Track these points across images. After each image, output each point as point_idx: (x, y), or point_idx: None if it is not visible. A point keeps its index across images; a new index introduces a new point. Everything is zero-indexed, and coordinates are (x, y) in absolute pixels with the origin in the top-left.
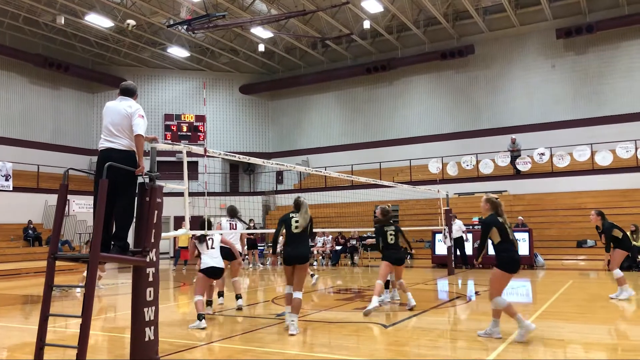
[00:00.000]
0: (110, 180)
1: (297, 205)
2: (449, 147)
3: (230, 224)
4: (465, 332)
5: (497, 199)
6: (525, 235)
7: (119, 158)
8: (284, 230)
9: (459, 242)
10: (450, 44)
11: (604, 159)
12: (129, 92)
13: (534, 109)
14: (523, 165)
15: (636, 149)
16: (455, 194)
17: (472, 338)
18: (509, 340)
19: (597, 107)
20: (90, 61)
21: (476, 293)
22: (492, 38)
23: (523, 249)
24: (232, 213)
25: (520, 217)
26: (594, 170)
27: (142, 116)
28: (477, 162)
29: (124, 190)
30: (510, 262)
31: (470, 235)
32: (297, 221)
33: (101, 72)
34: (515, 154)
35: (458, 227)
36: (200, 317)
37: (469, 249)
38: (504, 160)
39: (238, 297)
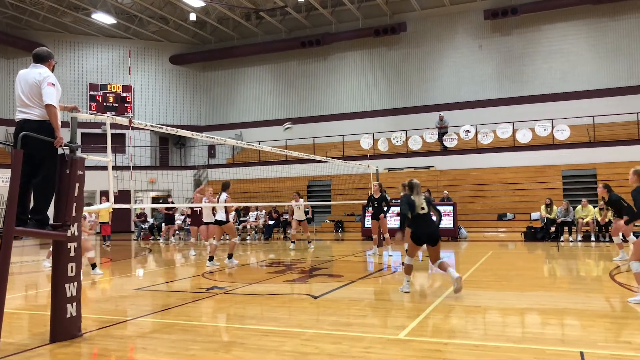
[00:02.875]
0: (27, 152)
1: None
2: (380, 124)
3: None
4: (391, 301)
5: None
6: (450, 208)
7: (32, 129)
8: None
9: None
10: (383, 21)
11: (524, 136)
12: (40, 59)
13: (461, 88)
14: (450, 142)
15: (552, 127)
16: (385, 169)
17: (399, 306)
18: (431, 307)
19: (519, 87)
20: (5, 24)
21: (402, 264)
22: (424, 16)
23: (447, 222)
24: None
25: (445, 192)
26: (514, 147)
27: (53, 84)
28: (407, 138)
29: (40, 162)
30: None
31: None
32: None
33: (17, 37)
34: (442, 130)
35: None
36: (211, 258)
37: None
38: (431, 137)
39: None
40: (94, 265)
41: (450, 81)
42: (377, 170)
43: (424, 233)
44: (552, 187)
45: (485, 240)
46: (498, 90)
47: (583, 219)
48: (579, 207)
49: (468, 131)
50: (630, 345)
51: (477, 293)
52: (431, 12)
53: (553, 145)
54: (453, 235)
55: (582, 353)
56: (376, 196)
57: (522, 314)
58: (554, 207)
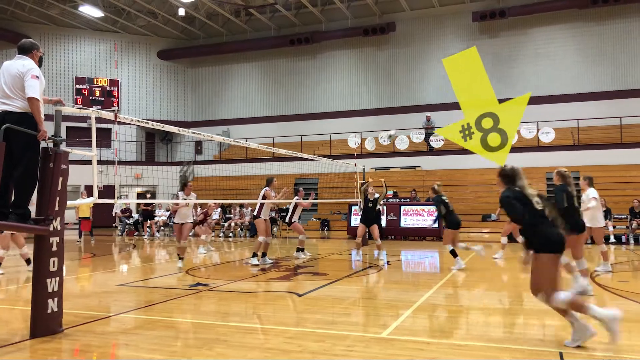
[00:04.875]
0: (8, 145)
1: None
2: (368, 123)
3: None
4: (376, 300)
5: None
6: (435, 208)
7: (13, 121)
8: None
9: None
10: (372, 21)
11: None
12: (24, 50)
13: (449, 89)
14: (436, 142)
15: (537, 130)
16: (372, 168)
17: (382, 305)
18: (414, 307)
19: (505, 89)
20: None
21: (388, 263)
22: (413, 17)
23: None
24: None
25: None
26: None
27: (37, 76)
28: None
29: (21, 155)
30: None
31: (385, 208)
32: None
33: (2, 28)
34: (429, 131)
35: None
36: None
37: (382, 221)
38: (418, 137)
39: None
40: (28, 261)
41: (438, 82)
42: (363, 169)
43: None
44: (537, 189)
45: (469, 240)
46: None
47: None
48: None
49: None
50: (609, 345)
51: (460, 293)
52: (420, 12)
53: (538, 147)
54: (438, 235)
55: (561, 353)
56: (371, 198)
57: (503, 314)
58: None
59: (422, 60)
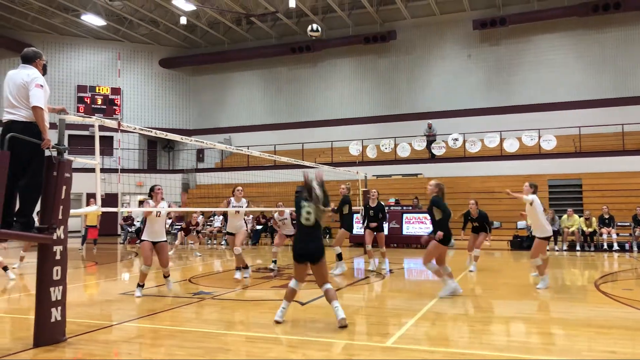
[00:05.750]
0: (13, 153)
1: (309, 190)
2: (369, 130)
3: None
4: (379, 308)
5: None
6: None
7: (18, 130)
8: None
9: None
10: (373, 29)
11: (511, 145)
12: (28, 59)
13: (449, 96)
14: (438, 150)
15: (539, 137)
16: (373, 175)
17: (386, 313)
18: (419, 315)
19: (507, 97)
20: None
21: (390, 271)
22: (414, 25)
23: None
24: None
25: None
26: (502, 156)
27: (40, 85)
28: (395, 145)
29: (26, 164)
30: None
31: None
32: (308, 212)
33: (5, 37)
34: (431, 138)
35: None
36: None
37: (385, 229)
38: (420, 145)
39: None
40: (5, 268)
41: (439, 90)
42: (365, 176)
43: None
44: (539, 197)
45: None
46: (486, 99)
47: (568, 228)
48: (565, 216)
49: (456, 139)
50: (615, 354)
51: (463, 301)
52: (421, 20)
53: (540, 154)
54: None
55: None
56: (373, 205)
57: (507, 322)
58: None
59: (423, 68)
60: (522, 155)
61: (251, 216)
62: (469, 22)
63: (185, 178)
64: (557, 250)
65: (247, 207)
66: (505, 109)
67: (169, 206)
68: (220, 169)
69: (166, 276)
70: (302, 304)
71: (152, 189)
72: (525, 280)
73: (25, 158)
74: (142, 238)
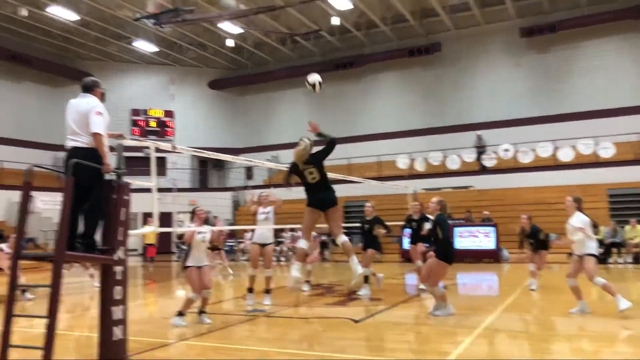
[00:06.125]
0: (76, 178)
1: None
2: (416, 143)
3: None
4: (434, 325)
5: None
6: (491, 229)
7: (82, 156)
8: None
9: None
10: (417, 42)
11: (565, 155)
12: (87, 88)
13: (498, 106)
14: (488, 161)
15: (595, 145)
16: (422, 189)
17: (441, 331)
18: (475, 333)
19: (558, 105)
20: (54, 55)
21: (443, 287)
22: (458, 36)
23: (489, 243)
24: None
25: (486, 212)
26: (556, 165)
27: (100, 113)
28: (444, 158)
29: (90, 188)
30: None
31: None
32: (310, 172)
33: (65, 66)
34: (480, 150)
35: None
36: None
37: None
38: (470, 156)
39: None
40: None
41: (486, 100)
42: (414, 190)
43: None
44: (597, 207)
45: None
46: (536, 107)
47: (632, 239)
48: (628, 227)
49: (507, 150)
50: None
51: (523, 318)
52: (465, 31)
53: (597, 163)
54: (495, 257)
55: None
56: (416, 217)
57: (570, 340)
58: (601, 228)
59: (469, 78)
60: (578, 164)
61: (300, 232)
62: (516, 30)
63: (235, 196)
64: (621, 263)
65: (272, 214)
66: (557, 117)
67: (214, 225)
68: (269, 185)
69: (203, 312)
70: (356, 322)
71: (193, 212)
72: (587, 295)
73: (87, 182)
74: (188, 265)
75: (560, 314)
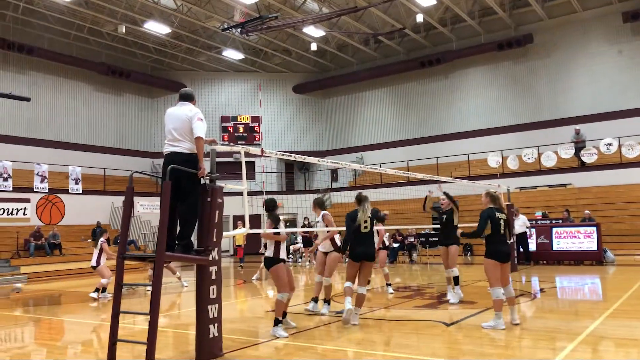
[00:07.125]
0: (173, 182)
1: (360, 202)
2: (508, 140)
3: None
4: (531, 330)
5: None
6: (593, 229)
7: (181, 161)
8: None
9: (522, 238)
10: (507, 34)
11: None
12: (188, 98)
13: (599, 98)
14: (588, 157)
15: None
16: (516, 188)
17: (538, 336)
18: (578, 340)
19: None
20: (149, 67)
21: (541, 290)
22: (552, 26)
23: (590, 244)
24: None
25: (587, 211)
26: None
27: (201, 119)
28: (539, 154)
29: (187, 192)
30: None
31: (534, 231)
32: (365, 221)
33: (160, 78)
34: (579, 145)
35: (522, 222)
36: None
37: (532, 245)
38: (567, 152)
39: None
40: (103, 289)
41: (585, 92)
42: (508, 189)
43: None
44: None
45: (636, 264)
46: None
47: None
48: None
49: (610, 144)
50: None
51: (631, 324)
52: (560, 20)
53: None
54: (598, 259)
55: None
56: (445, 208)
57: None
58: None
59: (566, 70)
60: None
61: (387, 234)
62: (618, 14)
63: (320, 198)
64: None
65: (322, 223)
66: None
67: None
68: (354, 187)
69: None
70: (448, 325)
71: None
72: None
73: (184, 186)
74: (280, 257)
75: None
